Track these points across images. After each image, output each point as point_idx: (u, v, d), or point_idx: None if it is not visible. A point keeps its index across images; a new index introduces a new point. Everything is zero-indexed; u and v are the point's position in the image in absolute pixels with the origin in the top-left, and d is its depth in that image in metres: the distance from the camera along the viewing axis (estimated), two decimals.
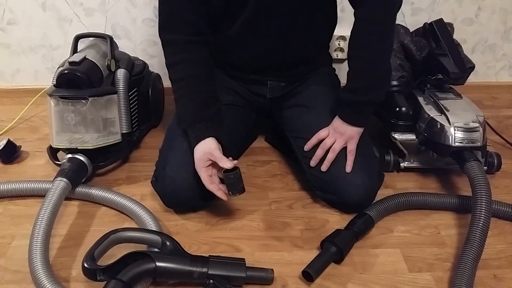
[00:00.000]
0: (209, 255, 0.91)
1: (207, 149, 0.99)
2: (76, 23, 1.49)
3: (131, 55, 1.36)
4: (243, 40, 1.10)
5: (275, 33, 1.08)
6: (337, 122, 1.08)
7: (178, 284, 0.91)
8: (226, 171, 0.98)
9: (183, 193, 1.04)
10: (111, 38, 1.24)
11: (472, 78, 1.34)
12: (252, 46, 1.11)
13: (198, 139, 1.00)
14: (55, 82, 1.13)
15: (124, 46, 1.51)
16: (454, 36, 1.33)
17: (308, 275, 0.91)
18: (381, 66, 1.04)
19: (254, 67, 1.17)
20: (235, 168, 0.98)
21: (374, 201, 1.08)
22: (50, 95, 1.12)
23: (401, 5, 1.01)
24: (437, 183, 1.22)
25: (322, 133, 1.09)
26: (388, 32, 1.02)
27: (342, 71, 1.47)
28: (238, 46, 1.12)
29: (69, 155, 1.13)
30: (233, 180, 0.98)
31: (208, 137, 1.00)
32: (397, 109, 1.21)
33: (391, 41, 1.05)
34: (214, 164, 1.00)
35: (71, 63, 1.13)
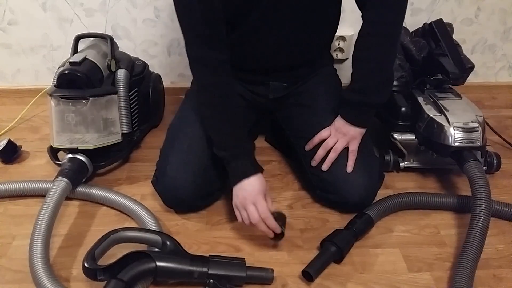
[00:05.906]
0: (209, 255, 0.91)
1: (263, 187, 0.97)
2: (76, 24, 1.50)
3: (131, 55, 1.36)
4: (247, 43, 1.09)
5: (280, 36, 1.07)
6: (339, 122, 1.08)
7: (178, 284, 0.91)
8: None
9: (183, 193, 1.04)
10: (111, 39, 1.24)
11: (471, 78, 1.34)
12: (256, 49, 1.10)
13: (245, 175, 0.97)
14: (55, 82, 1.14)
15: (125, 46, 1.51)
16: (454, 36, 1.33)
17: (308, 274, 0.91)
18: (386, 67, 1.04)
19: (256, 69, 1.17)
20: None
21: (374, 201, 1.08)
22: (51, 95, 1.12)
23: (406, 7, 1.01)
24: (437, 183, 1.22)
25: (324, 133, 1.09)
26: (395, 34, 1.02)
27: (342, 71, 1.47)
28: (242, 48, 1.11)
29: (70, 155, 1.13)
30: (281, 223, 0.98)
31: (257, 173, 0.98)
32: (397, 109, 1.21)
33: (397, 43, 1.05)
34: None
35: (71, 63, 1.13)
